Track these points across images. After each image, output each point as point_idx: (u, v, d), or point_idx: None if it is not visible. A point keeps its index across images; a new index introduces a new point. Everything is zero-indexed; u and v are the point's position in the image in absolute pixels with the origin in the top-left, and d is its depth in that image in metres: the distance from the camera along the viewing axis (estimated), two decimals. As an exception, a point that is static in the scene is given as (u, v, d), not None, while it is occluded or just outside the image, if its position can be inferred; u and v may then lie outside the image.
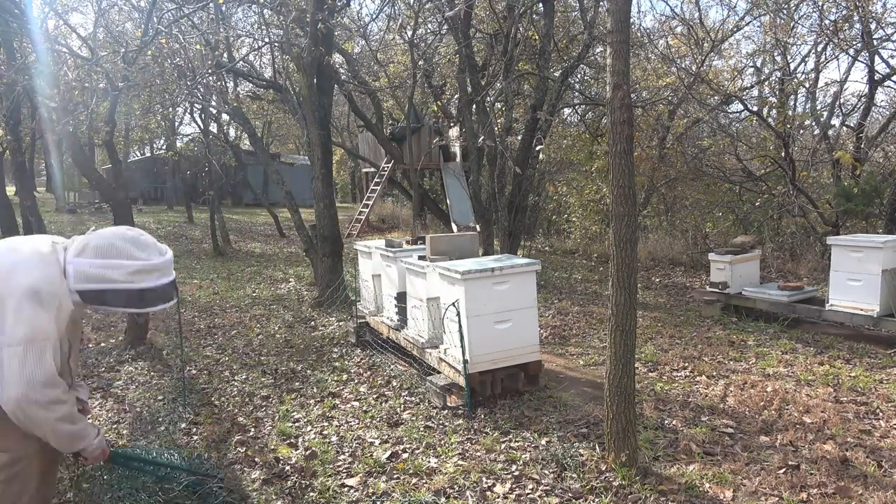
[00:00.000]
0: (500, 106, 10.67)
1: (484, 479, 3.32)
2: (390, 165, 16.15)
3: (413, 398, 4.62)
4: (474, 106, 8.68)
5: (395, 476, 3.42)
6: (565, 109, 13.10)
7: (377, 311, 5.97)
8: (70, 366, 2.41)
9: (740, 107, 11.70)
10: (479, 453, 3.64)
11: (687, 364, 5.21)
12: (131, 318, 6.07)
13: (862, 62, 10.60)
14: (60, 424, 2.13)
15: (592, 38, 8.79)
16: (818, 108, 12.44)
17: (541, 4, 8.79)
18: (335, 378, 5.18)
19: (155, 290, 2.28)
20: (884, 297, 5.54)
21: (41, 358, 2.04)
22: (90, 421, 2.71)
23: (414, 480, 3.35)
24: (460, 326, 4.22)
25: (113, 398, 4.76)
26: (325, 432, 4.05)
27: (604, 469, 3.34)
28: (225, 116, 13.79)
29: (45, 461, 2.33)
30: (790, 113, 11.89)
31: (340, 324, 6.91)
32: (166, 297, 2.34)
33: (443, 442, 3.83)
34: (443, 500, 3.15)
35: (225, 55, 9.44)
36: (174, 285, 2.38)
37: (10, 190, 17.01)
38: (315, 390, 4.89)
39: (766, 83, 13.14)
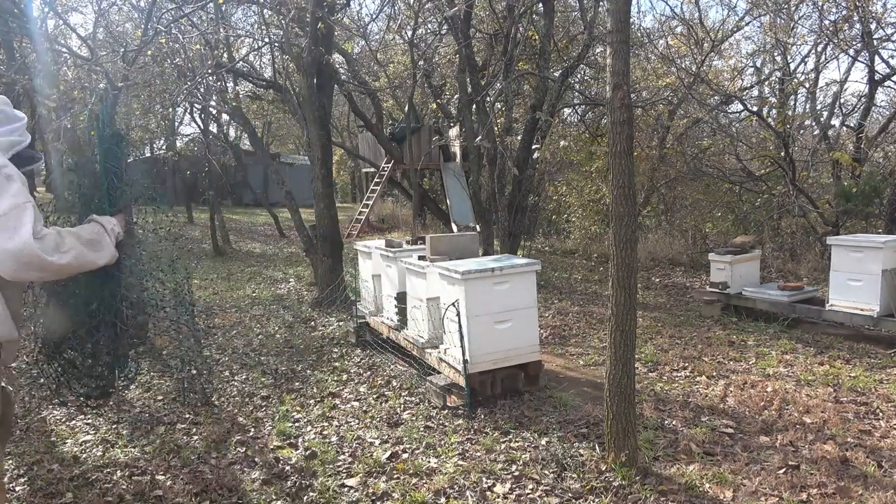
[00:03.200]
0: (500, 106, 10.66)
1: (484, 480, 3.32)
2: (390, 165, 16.14)
3: (413, 398, 4.62)
4: (474, 106, 8.67)
5: (395, 476, 3.41)
6: (565, 109, 13.10)
7: (377, 311, 5.97)
8: None
9: (740, 107, 11.71)
10: (479, 453, 3.64)
11: (687, 364, 5.20)
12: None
13: (862, 62, 10.61)
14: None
15: (592, 38, 8.79)
16: (818, 108, 12.45)
17: (541, 4, 8.78)
18: (335, 378, 5.17)
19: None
20: (884, 297, 5.53)
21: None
22: None
23: (414, 480, 3.35)
24: (460, 326, 4.22)
25: (113, 398, 4.75)
26: (325, 432, 4.05)
27: (604, 469, 3.34)
28: (225, 116, 13.80)
29: None
30: (790, 113, 11.90)
31: (340, 324, 6.91)
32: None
33: (443, 442, 3.83)
34: (443, 500, 3.15)
35: (225, 55, 9.44)
36: None
37: (10, 190, 16.96)
38: (315, 390, 4.88)
39: (766, 83, 13.16)
